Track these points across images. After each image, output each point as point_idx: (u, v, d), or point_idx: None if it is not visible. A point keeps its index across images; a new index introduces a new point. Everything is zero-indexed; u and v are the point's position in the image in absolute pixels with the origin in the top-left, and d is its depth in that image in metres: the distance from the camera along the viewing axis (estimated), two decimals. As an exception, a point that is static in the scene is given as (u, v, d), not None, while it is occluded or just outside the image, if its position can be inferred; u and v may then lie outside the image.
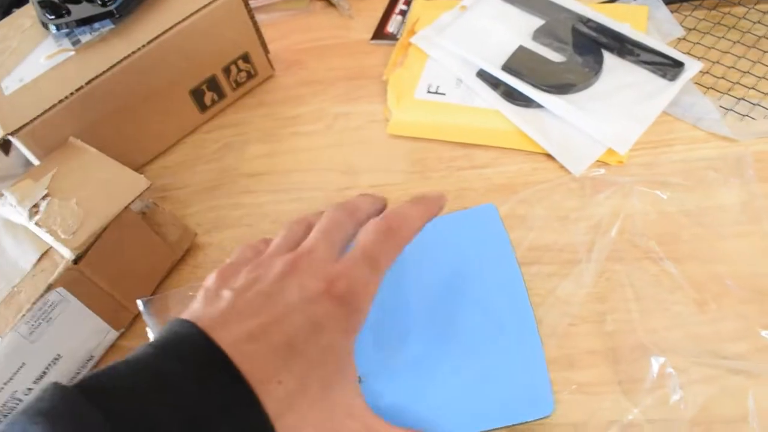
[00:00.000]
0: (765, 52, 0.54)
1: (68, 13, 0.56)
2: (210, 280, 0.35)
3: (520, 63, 0.55)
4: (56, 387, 0.27)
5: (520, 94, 0.53)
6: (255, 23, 0.60)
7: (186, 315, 0.32)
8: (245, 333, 0.30)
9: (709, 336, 0.41)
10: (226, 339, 0.29)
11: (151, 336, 0.47)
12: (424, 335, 0.42)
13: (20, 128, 0.51)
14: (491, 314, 0.42)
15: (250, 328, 0.30)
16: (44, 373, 0.46)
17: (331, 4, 0.68)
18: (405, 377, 0.40)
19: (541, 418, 0.38)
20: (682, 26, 0.57)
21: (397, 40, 0.63)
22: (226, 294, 0.32)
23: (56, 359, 0.46)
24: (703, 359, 0.40)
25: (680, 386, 0.38)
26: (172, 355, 0.28)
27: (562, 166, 0.51)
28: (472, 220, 0.47)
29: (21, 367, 0.44)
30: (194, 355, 0.28)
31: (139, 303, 0.47)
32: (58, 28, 0.56)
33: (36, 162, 0.54)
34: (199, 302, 0.33)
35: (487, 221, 0.47)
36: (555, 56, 0.56)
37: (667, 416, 0.38)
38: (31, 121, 0.52)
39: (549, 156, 0.51)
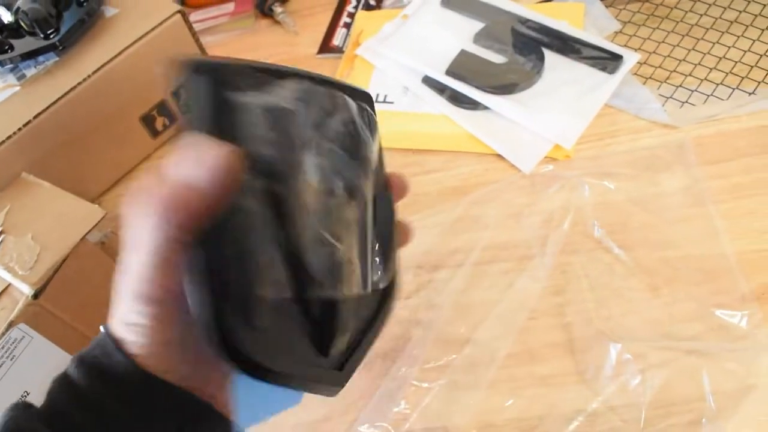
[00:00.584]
0: (699, 39, 0.56)
1: (11, 48, 0.56)
2: None
3: (463, 67, 0.56)
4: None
5: (466, 97, 0.54)
6: (200, 44, 0.60)
7: None
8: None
9: (663, 319, 0.42)
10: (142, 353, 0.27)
11: None
12: None
13: (-30, 167, 0.51)
14: None
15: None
16: (11, 411, 0.46)
17: (276, 22, 0.69)
18: None
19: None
20: (618, 20, 0.59)
21: (343, 52, 0.64)
22: None
23: (24, 396, 0.46)
24: (659, 342, 0.41)
25: (638, 371, 0.39)
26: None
27: (512, 165, 0.52)
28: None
29: (-13, 407, 0.44)
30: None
31: (102, 329, 0.47)
32: (2, 64, 0.56)
33: (-11, 200, 0.53)
34: None
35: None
36: (497, 58, 0.57)
37: (628, 401, 0.39)
38: (-19, 159, 0.51)
39: (499, 156, 0.52)
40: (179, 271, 0.24)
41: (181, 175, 0.24)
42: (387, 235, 0.31)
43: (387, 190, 0.32)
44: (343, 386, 0.27)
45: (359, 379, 0.32)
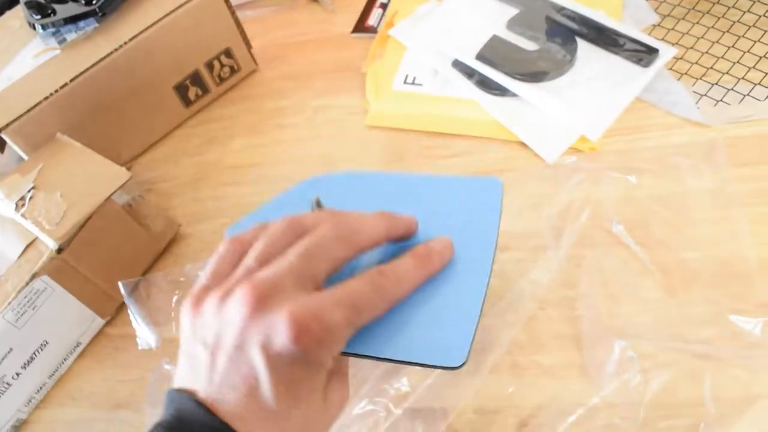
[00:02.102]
0: (739, 36, 0.54)
1: (54, 13, 0.58)
2: (185, 316, 0.32)
3: (493, 52, 0.55)
4: None
5: (495, 83, 0.54)
6: (236, 19, 0.61)
7: (179, 382, 0.32)
8: (233, 409, 0.29)
9: (676, 321, 0.41)
10: (224, 414, 0.29)
11: (135, 320, 0.48)
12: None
13: (8, 125, 0.53)
14: (439, 285, 0.37)
15: (236, 403, 0.29)
16: (32, 358, 0.48)
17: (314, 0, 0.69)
18: None
19: (449, 367, 0.33)
20: (657, 12, 0.57)
21: (376, 32, 0.64)
22: (202, 354, 0.31)
23: (43, 345, 0.48)
24: (669, 343, 0.40)
25: (641, 370, 0.39)
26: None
27: (536, 154, 0.51)
28: (473, 189, 0.41)
29: (8, 352, 0.46)
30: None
31: (121, 285, 0.49)
32: (44, 27, 0.58)
33: (25, 157, 0.55)
34: (183, 364, 0.32)
35: (486, 196, 0.41)
36: (529, 45, 0.56)
37: (628, 400, 0.38)
38: (19, 117, 0.53)
39: (523, 144, 0.52)
40: None
41: None
42: None
43: None
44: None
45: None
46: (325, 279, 0.32)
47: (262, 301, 0.29)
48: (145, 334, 0.48)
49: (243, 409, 0.29)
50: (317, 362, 0.30)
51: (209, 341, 0.31)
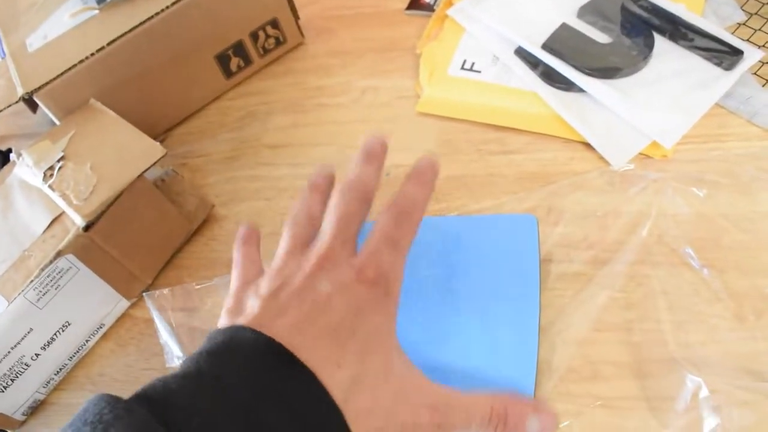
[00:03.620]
0: (835, 43, 0.49)
1: (94, -31, 0.54)
2: (230, 299, 0.35)
3: (562, 42, 0.51)
4: (111, 398, 0.26)
5: (561, 76, 0.50)
6: (285, -11, 0.57)
7: (222, 324, 0.32)
8: (291, 324, 0.30)
9: (748, 355, 0.37)
10: (277, 331, 0.29)
11: (160, 329, 0.46)
12: (423, 331, 0.40)
13: (41, 87, 0.50)
14: (493, 337, 0.39)
15: (295, 319, 0.30)
16: (53, 339, 0.45)
17: (369, -30, 0.65)
18: None
19: None
20: (743, 10, 0.52)
21: (433, 11, 0.60)
22: (254, 301, 0.32)
23: (65, 326, 0.46)
24: (742, 381, 0.36)
25: (715, 410, 0.35)
26: (226, 358, 0.28)
27: (600, 157, 0.47)
28: (508, 227, 0.44)
29: (29, 332, 0.44)
30: (249, 352, 0.28)
31: (146, 297, 0.47)
32: (83, -16, 0.54)
33: (57, 122, 0.53)
34: (227, 314, 0.34)
35: (523, 233, 0.43)
36: (601, 37, 0.52)
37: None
38: (52, 80, 0.51)
39: (587, 145, 0.48)
40: None
41: None
42: None
43: None
44: None
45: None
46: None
47: (320, 264, 0.33)
48: (171, 349, 0.45)
49: (304, 325, 0.30)
50: (381, 291, 0.32)
51: (265, 292, 0.33)
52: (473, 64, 0.53)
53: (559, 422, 0.37)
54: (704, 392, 0.36)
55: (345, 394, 0.28)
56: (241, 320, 0.31)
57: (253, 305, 0.32)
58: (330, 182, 0.41)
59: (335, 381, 0.28)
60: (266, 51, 0.60)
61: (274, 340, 0.28)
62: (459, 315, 0.40)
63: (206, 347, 0.29)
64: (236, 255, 0.39)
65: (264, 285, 0.33)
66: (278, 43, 0.60)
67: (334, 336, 0.30)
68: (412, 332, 0.40)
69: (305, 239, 0.36)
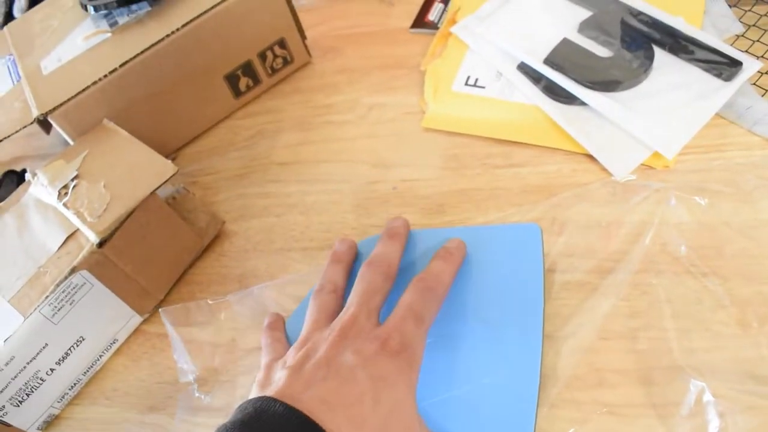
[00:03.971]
0: (833, 53, 0.50)
1: (106, -6, 0.56)
2: (260, 372, 0.38)
3: (563, 57, 0.52)
4: None
5: (563, 89, 0.51)
6: (292, 8, 0.59)
7: (253, 395, 0.34)
8: (317, 396, 0.31)
9: (753, 361, 0.37)
10: (304, 403, 0.30)
11: (175, 344, 0.47)
12: (429, 337, 0.39)
13: (54, 108, 0.52)
14: (497, 345, 0.40)
15: (322, 393, 0.31)
16: (67, 354, 0.46)
17: (373, -10, 0.67)
18: None
19: None
20: (741, 22, 0.53)
21: (437, 29, 0.61)
22: (282, 372, 0.34)
23: (79, 341, 0.47)
24: (746, 387, 0.36)
25: (720, 415, 0.36)
26: (257, 428, 0.30)
27: (603, 168, 0.48)
28: (512, 237, 0.44)
29: (44, 347, 0.45)
30: (277, 424, 0.29)
31: (162, 313, 0.48)
32: (96, 9, 0.56)
33: (71, 142, 0.54)
34: (257, 385, 0.36)
35: (527, 242, 0.43)
36: (601, 51, 0.53)
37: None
38: (66, 101, 0.52)
39: (590, 157, 0.49)
40: None
41: None
42: None
43: None
44: None
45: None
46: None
47: (344, 334, 0.35)
48: (185, 365, 0.46)
49: (329, 396, 0.31)
50: (404, 362, 0.34)
51: (293, 363, 0.34)
52: (477, 80, 0.54)
53: None
54: (708, 397, 0.36)
55: None
56: (270, 391, 0.32)
57: (281, 376, 0.33)
58: (352, 253, 0.44)
59: None
60: (274, 70, 0.62)
61: (302, 413, 0.30)
62: (465, 324, 0.41)
63: (238, 417, 0.30)
64: (264, 339, 0.42)
65: (291, 356, 0.35)
66: (286, 62, 0.62)
67: (357, 407, 0.31)
68: None
69: (330, 310, 0.39)
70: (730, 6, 0.54)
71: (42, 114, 0.52)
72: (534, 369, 0.38)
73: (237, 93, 0.61)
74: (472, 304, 0.41)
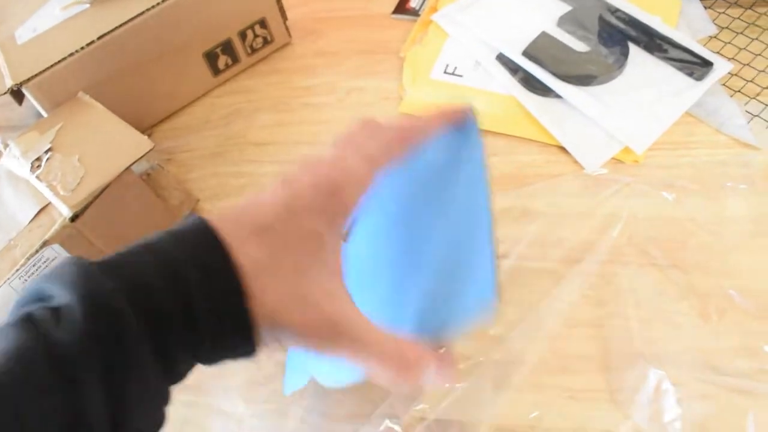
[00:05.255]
0: (801, 57, 0.51)
1: (85, -36, 0.55)
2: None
3: (541, 49, 0.53)
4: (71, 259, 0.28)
5: (539, 81, 0.52)
6: (274, -10, 0.59)
7: None
8: (233, 217, 0.30)
9: (711, 350, 0.39)
10: (217, 221, 0.29)
11: None
12: (377, 236, 0.38)
13: (29, 79, 0.51)
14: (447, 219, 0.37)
15: (237, 214, 0.30)
16: (36, 327, 0.46)
17: (355, -25, 0.67)
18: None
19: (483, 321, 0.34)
20: (715, 24, 0.54)
21: (418, 16, 0.61)
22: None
23: (49, 315, 0.46)
24: (703, 375, 0.38)
25: (677, 402, 0.37)
26: (169, 233, 0.30)
27: (575, 161, 0.49)
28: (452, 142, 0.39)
29: (13, 320, 0.44)
30: (187, 232, 0.29)
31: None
32: (74, -21, 0.55)
33: (44, 114, 0.53)
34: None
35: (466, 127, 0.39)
36: (579, 45, 0.54)
37: (661, 431, 0.36)
38: (41, 72, 0.51)
39: (563, 149, 0.50)
40: None
41: None
42: None
43: None
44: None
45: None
46: None
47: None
48: None
49: (230, 222, 0.29)
50: (333, 197, 0.31)
51: None
52: (455, 68, 0.55)
53: (458, 379, 0.39)
54: (667, 385, 0.37)
55: (249, 273, 0.29)
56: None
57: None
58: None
59: (243, 261, 0.29)
60: (254, 50, 0.61)
61: (208, 223, 0.29)
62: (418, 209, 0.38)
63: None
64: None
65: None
66: (266, 42, 0.62)
67: (260, 229, 0.30)
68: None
69: None
70: (705, 8, 0.55)
71: (16, 84, 0.51)
72: (485, 220, 0.37)
73: (215, 71, 0.60)
74: (427, 212, 0.38)
